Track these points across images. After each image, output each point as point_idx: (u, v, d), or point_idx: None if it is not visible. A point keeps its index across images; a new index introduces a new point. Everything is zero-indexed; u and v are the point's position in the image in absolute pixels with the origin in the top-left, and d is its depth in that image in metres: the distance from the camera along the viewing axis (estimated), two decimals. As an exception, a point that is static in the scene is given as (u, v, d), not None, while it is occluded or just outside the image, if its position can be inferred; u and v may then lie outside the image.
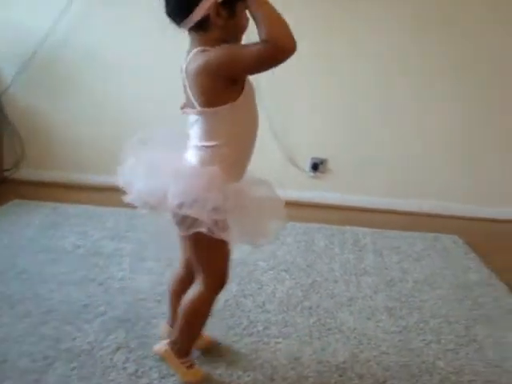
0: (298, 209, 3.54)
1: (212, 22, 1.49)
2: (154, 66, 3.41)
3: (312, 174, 3.59)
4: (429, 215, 3.58)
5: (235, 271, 2.54)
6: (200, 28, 1.51)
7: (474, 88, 3.45)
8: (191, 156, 1.64)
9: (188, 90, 1.58)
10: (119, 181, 1.67)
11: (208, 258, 1.70)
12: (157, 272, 2.49)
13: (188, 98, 1.60)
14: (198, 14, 1.48)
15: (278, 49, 1.42)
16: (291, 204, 3.51)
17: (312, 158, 3.58)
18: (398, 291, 2.49)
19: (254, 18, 1.45)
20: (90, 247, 2.71)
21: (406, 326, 2.20)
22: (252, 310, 2.25)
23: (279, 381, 1.83)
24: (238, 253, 2.72)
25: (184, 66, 1.57)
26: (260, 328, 2.12)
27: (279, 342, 2.03)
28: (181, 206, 1.55)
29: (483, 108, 3.48)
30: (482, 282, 2.65)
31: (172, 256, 2.60)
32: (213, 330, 2.03)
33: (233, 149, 1.63)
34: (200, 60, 1.51)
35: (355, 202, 3.60)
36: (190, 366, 1.83)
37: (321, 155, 3.58)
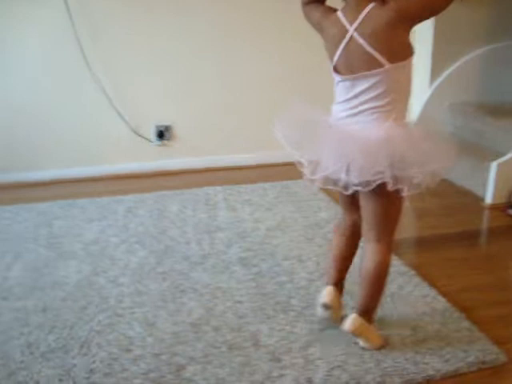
0: (149, 179, 3.49)
1: None
2: None
3: (159, 142, 3.52)
4: (279, 165, 3.64)
5: (87, 251, 2.46)
6: None
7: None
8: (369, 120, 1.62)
9: (369, 49, 1.56)
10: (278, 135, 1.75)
11: (396, 216, 1.74)
12: (1, 268, 2.32)
13: (366, 55, 1.57)
14: None
15: None
16: (141, 175, 3.52)
17: (157, 126, 3.51)
18: (251, 241, 2.53)
19: None
20: None
21: (259, 272, 2.24)
22: (104, 285, 2.18)
23: (136, 350, 1.79)
24: (90, 233, 2.65)
25: (354, 27, 1.57)
26: (113, 302, 2.06)
27: (134, 312, 1.99)
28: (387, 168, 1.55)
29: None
30: (331, 219, 2.75)
31: (18, 249, 2.47)
32: (65, 313, 1.97)
33: (405, 101, 1.68)
34: (389, 12, 1.53)
35: (205, 163, 3.59)
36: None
37: (165, 122, 3.51)
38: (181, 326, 1.91)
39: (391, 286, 2.11)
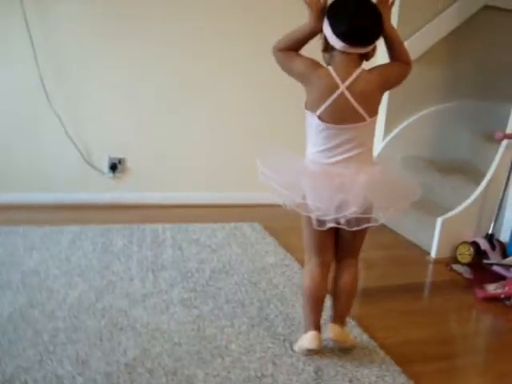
0: (97, 211, 3.43)
1: (372, 54, 1.84)
2: None
3: (111, 174, 3.48)
4: (230, 206, 3.64)
5: (25, 281, 2.38)
6: (365, 54, 1.82)
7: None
8: (367, 166, 1.86)
9: (356, 105, 1.79)
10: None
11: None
12: None
13: (352, 110, 1.79)
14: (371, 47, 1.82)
15: (411, 69, 1.88)
16: (89, 207, 3.46)
17: (110, 158, 3.47)
18: (195, 282, 2.49)
19: (388, 41, 1.84)
20: None
21: (200, 315, 2.20)
22: (39, 319, 2.09)
23: (64, 390, 1.72)
24: (30, 262, 2.56)
25: (345, 84, 1.78)
26: (46, 337, 1.97)
27: (65, 349, 1.91)
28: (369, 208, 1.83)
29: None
30: (278, 264, 2.75)
31: None
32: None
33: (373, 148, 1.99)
34: (377, 77, 1.82)
35: (156, 199, 3.55)
36: None
37: (118, 154, 3.48)
38: (114, 366, 1.84)
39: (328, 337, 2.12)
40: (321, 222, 1.87)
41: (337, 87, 1.77)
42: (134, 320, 2.12)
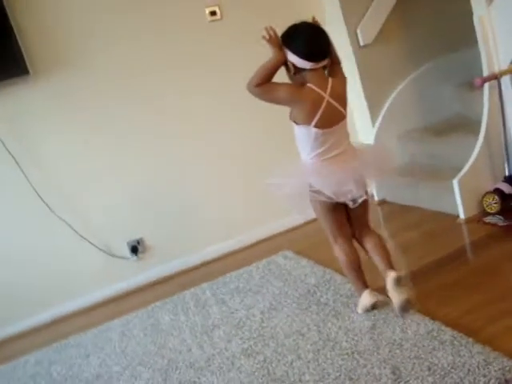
0: (135, 296, 3.45)
1: (329, 63, 2.20)
2: None
3: (134, 257, 3.53)
4: (254, 245, 3.67)
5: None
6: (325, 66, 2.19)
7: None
8: (351, 151, 2.29)
9: (338, 107, 2.18)
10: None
11: None
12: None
13: (337, 112, 2.18)
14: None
15: None
16: (124, 295, 3.48)
17: (128, 243, 3.52)
18: (249, 329, 2.50)
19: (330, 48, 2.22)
20: None
21: (266, 359, 2.21)
22: (118, 420, 2.13)
23: None
24: (90, 369, 2.59)
25: (327, 94, 2.14)
26: (131, 435, 2.00)
27: None
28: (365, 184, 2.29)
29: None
30: (320, 282, 2.76)
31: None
32: None
33: None
34: (342, 81, 2.24)
35: (184, 264, 3.59)
36: None
37: (135, 236, 3.54)
38: None
39: (395, 333, 2.12)
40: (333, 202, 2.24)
41: (322, 98, 2.13)
42: (206, 387, 2.15)
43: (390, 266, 2.26)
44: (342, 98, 2.19)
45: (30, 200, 3.30)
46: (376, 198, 3.89)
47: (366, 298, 2.32)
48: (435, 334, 2.04)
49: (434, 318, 2.16)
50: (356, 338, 2.16)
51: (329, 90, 2.13)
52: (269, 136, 3.65)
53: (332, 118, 2.16)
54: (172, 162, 3.58)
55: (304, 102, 2.13)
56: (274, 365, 2.15)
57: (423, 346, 1.99)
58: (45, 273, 3.40)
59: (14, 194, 3.33)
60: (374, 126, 3.85)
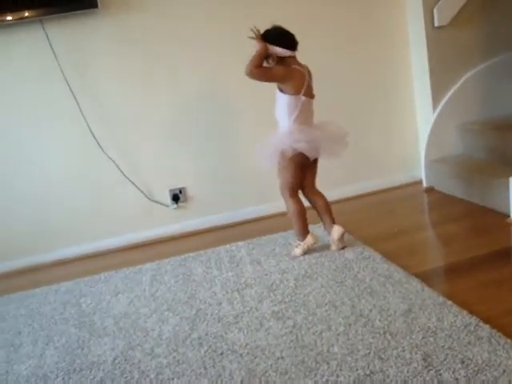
0: (169, 243, 3.49)
1: None
2: None
3: (174, 205, 3.54)
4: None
5: (119, 326, 2.45)
6: None
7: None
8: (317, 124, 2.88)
9: (311, 83, 2.79)
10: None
11: None
12: (35, 355, 2.32)
13: (312, 89, 2.80)
14: None
15: None
16: (160, 241, 3.52)
17: (170, 190, 3.54)
18: (281, 293, 2.49)
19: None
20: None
21: (295, 325, 2.20)
22: (142, 359, 2.14)
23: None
24: (119, 306, 2.63)
25: (306, 72, 2.76)
26: (152, 375, 2.02)
27: (175, 384, 1.96)
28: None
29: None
30: (358, 258, 2.72)
31: (49, 333, 2.47)
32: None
33: None
34: (305, 64, 2.80)
35: (222, 219, 3.60)
36: None
37: (178, 185, 3.54)
38: (225, 391, 1.87)
39: (430, 320, 2.07)
40: (308, 159, 2.81)
41: (305, 75, 2.75)
42: (232, 343, 2.14)
43: (334, 222, 2.90)
44: (310, 76, 2.80)
45: (81, 133, 3.35)
46: (424, 185, 3.81)
47: (311, 240, 2.89)
48: (472, 329, 1.98)
49: (472, 312, 2.10)
50: (389, 319, 2.12)
51: (306, 70, 2.77)
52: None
53: (311, 91, 2.79)
54: (229, 119, 3.57)
55: (295, 77, 2.72)
56: (303, 332, 2.13)
57: (458, 338, 1.94)
58: (85, 207, 3.47)
59: (67, 125, 3.38)
60: (434, 111, 3.74)
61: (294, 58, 2.76)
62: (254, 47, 2.68)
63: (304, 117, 2.77)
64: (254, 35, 2.71)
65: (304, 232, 2.91)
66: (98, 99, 3.37)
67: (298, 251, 2.88)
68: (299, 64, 2.76)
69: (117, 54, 3.36)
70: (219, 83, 3.53)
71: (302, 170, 2.84)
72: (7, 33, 3.19)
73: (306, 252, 2.87)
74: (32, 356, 2.32)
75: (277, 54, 2.72)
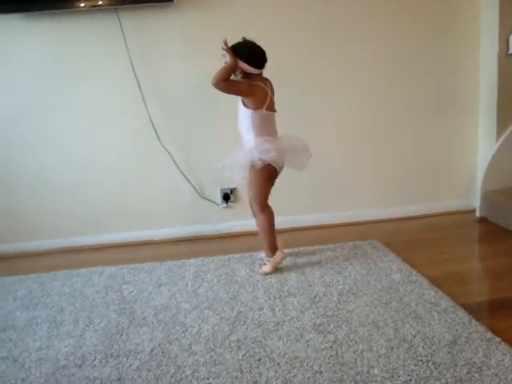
0: (215, 241, 3.50)
1: None
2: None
3: (224, 204, 3.55)
4: (344, 225, 3.61)
5: (159, 317, 2.46)
6: None
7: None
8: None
9: (274, 99, 2.85)
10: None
11: None
12: (76, 334, 2.36)
13: (274, 104, 2.85)
14: None
15: None
16: (207, 238, 3.54)
17: (222, 189, 3.55)
18: (324, 306, 2.46)
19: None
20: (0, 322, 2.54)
21: (336, 340, 2.17)
22: (179, 354, 2.15)
23: (215, 424, 1.74)
24: (160, 298, 2.65)
25: (269, 88, 2.82)
26: (188, 372, 2.02)
27: (209, 383, 1.95)
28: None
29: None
30: (405, 281, 2.67)
31: (90, 315, 2.51)
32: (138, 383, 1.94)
33: None
34: (269, 82, 2.87)
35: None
36: None
37: (229, 185, 3.55)
38: (260, 398, 1.85)
39: (476, 355, 2.01)
40: (276, 171, 2.89)
41: (267, 92, 2.80)
42: (270, 350, 2.13)
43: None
44: (273, 93, 2.86)
45: (142, 125, 3.40)
46: (477, 214, 3.72)
47: (280, 255, 2.91)
48: (526, 369, 1.92)
49: (525, 352, 2.03)
50: (433, 348, 2.07)
51: (269, 86, 2.83)
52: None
53: (273, 106, 2.86)
54: (299, 121, 3.54)
55: (258, 93, 2.78)
56: (343, 348, 2.10)
57: (506, 379, 1.87)
58: (136, 195, 3.51)
59: (129, 116, 3.43)
60: (497, 140, 3.65)
61: (259, 75, 2.82)
62: (223, 58, 2.74)
63: (268, 129, 2.84)
64: (224, 47, 2.74)
65: (274, 247, 2.93)
66: (163, 93, 3.41)
67: (267, 269, 2.89)
68: (263, 80, 2.82)
69: (184, 50, 3.39)
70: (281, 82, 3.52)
71: (270, 183, 2.89)
72: (83, 19, 3.27)
73: (275, 269, 2.88)
74: (72, 335, 2.36)
75: (245, 70, 2.78)
